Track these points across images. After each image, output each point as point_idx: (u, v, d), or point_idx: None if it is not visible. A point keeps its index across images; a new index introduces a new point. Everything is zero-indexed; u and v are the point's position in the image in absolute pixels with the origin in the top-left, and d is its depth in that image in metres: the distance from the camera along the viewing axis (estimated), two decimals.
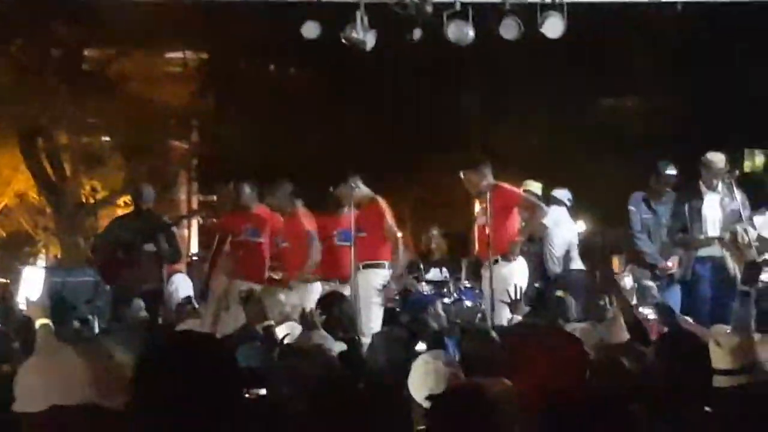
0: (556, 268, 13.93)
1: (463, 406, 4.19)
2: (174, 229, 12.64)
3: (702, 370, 5.14)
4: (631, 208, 12.77)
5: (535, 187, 13.96)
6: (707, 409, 5.04)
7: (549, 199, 13.92)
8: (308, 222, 12.14)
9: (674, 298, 11.82)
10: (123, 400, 3.22)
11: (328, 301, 9.85)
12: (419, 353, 6.99)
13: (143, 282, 12.02)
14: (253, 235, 12.19)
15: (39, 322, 6.11)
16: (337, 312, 9.68)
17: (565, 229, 14.21)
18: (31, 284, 6.39)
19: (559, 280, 13.35)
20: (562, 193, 14.26)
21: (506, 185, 11.69)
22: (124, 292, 11.82)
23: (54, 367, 3.33)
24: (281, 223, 12.44)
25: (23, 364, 3.53)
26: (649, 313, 9.82)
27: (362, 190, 11.73)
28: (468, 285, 15.12)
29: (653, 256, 12.42)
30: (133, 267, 12.01)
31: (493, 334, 6.77)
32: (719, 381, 5.39)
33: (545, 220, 13.20)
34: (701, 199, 11.95)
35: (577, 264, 14.17)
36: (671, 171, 12.68)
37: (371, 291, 11.29)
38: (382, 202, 11.69)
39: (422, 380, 5.52)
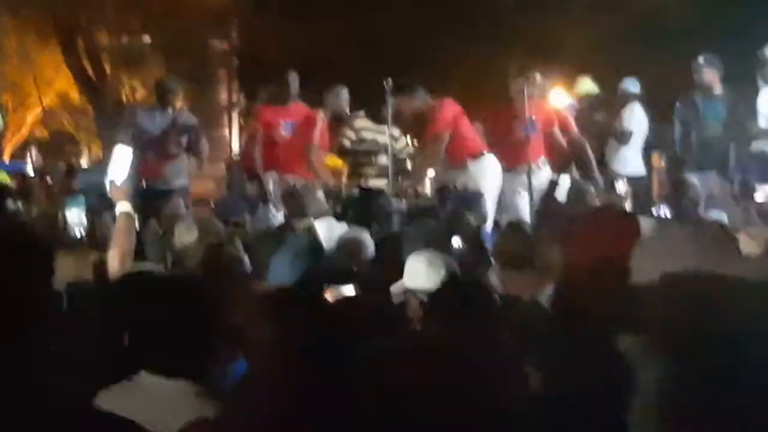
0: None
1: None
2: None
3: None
4: (677, 105, 12.47)
5: (590, 85, 13.08)
6: None
7: (621, 95, 12.76)
8: None
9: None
10: None
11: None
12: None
13: (174, 179, 11.85)
14: (292, 131, 11.86)
15: (120, 207, 5.94)
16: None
17: (642, 126, 12.82)
18: (117, 165, 6.11)
19: None
20: (632, 83, 12.92)
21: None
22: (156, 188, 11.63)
23: None
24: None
25: None
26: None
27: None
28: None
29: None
30: (163, 164, 11.80)
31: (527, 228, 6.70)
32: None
33: (629, 125, 12.57)
34: (757, 92, 11.76)
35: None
36: (700, 61, 12.26)
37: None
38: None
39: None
